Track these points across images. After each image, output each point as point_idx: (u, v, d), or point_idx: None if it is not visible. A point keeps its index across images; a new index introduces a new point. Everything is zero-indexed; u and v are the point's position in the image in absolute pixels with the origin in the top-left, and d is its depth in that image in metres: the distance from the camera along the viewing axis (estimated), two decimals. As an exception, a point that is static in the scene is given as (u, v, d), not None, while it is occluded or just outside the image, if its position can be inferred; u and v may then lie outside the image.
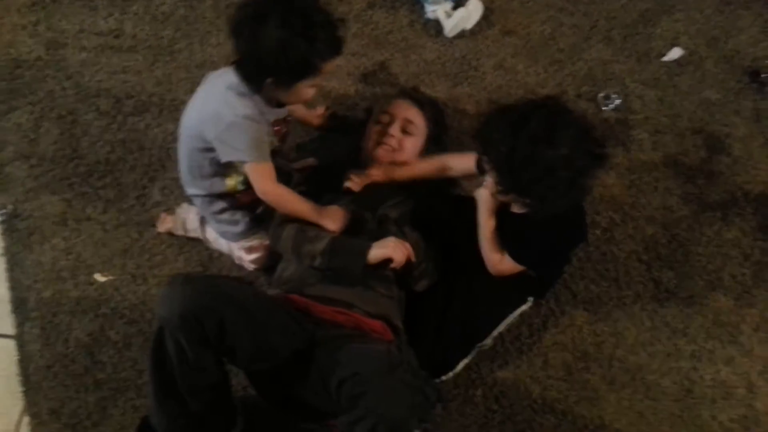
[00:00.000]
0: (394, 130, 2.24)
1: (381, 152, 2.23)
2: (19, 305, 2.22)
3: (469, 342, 2.09)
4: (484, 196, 1.97)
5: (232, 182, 2.07)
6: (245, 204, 2.13)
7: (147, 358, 1.73)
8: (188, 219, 2.26)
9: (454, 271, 2.12)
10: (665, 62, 2.59)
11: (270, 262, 2.20)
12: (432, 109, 2.34)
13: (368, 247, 1.97)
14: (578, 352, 2.20)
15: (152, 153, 2.41)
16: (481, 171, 2.08)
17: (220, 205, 2.12)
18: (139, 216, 2.33)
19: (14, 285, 2.24)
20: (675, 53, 2.59)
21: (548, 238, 1.95)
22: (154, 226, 2.31)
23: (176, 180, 2.34)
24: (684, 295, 2.27)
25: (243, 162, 1.96)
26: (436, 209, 2.22)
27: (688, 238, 2.35)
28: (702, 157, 2.46)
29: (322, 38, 1.79)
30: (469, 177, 2.24)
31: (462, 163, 2.16)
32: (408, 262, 1.99)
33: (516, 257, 1.97)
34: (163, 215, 2.30)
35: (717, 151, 2.47)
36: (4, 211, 2.32)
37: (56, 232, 2.31)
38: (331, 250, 1.98)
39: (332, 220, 2.06)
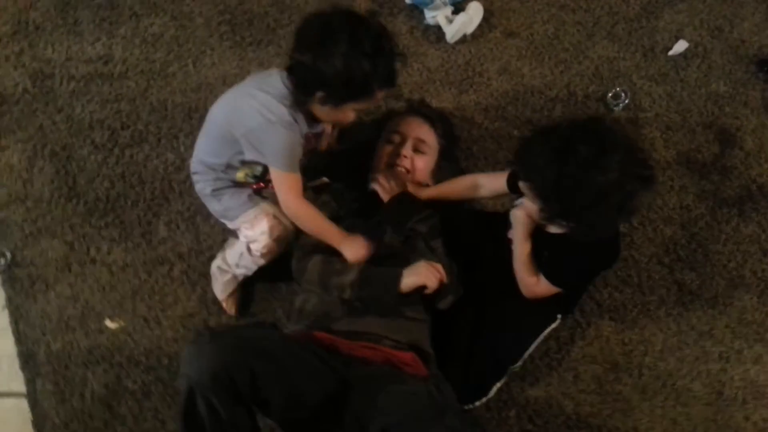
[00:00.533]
0: (407, 150, 2.17)
1: (399, 172, 2.16)
2: (28, 360, 2.12)
3: (502, 366, 2.05)
4: (521, 217, 1.91)
5: (241, 175, 2.00)
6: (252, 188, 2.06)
7: (178, 421, 1.65)
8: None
9: (479, 290, 2.07)
10: (671, 56, 2.54)
11: (280, 249, 2.09)
12: (442, 124, 2.28)
13: (399, 275, 1.91)
14: (608, 363, 2.17)
15: (154, 186, 2.31)
16: (512, 190, 2.02)
17: (225, 183, 2.03)
18: (146, 255, 2.24)
19: (21, 339, 2.14)
20: (680, 46, 2.54)
21: (587, 260, 1.91)
22: (162, 264, 2.22)
23: (182, 213, 2.27)
24: (707, 296, 2.25)
25: (270, 166, 1.91)
26: (458, 224, 2.17)
27: (707, 236, 2.32)
28: (714, 152, 2.43)
29: (383, 66, 1.76)
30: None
31: (493, 182, 2.10)
32: (440, 284, 1.93)
33: (554, 281, 1.93)
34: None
35: (729, 145, 2.44)
36: (2, 260, 2.21)
37: (60, 278, 2.20)
38: (361, 281, 1.91)
39: (352, 251, 1.98)
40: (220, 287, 2.16)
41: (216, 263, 2.17)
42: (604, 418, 2.12)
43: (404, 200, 2.12)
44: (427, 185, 2.23)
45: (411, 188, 2.14)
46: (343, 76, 1.74)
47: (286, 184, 1.93)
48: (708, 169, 2.40)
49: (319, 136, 2.04)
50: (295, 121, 1.86)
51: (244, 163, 1.98)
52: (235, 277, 2.14)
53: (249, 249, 2.07)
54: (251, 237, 2.05)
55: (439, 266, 1.93)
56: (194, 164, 2.07)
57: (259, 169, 2.00)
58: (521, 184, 1.80)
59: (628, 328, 2.21)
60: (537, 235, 1.92)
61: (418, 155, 2.18)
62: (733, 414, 2.13)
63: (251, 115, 1.85)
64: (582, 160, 1.63)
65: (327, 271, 1.95)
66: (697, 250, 2.30)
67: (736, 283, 2.27)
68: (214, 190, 2.04)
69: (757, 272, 2.28)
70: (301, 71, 1.80)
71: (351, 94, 1.81)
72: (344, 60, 1.72)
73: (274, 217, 2.03)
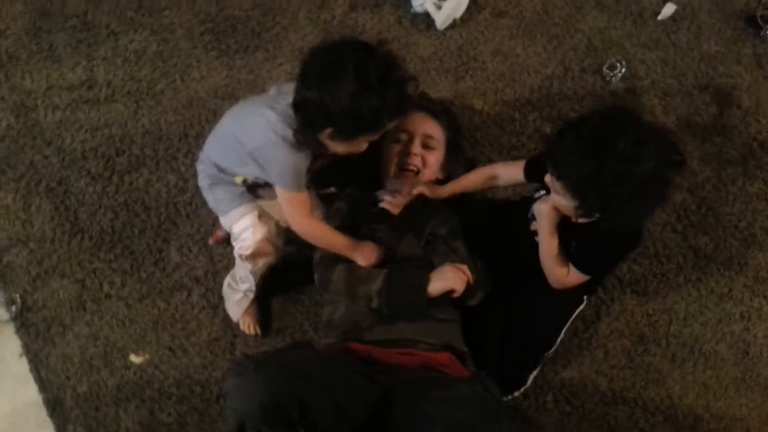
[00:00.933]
0: (416, 148, 2.13)
1: (407, 177, 2.13)
2: (55, 407, 2.07)
3: (537, 355, 2.06)
4: (546, 211, 1.87)
5: (240, 179, 1.97)
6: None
7: None
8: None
9: (505, 283, 2.06)
10: (661, 21, 2.53)
11: (268, 254, 2.02)
12: (446, 115, 2.24)
13: (427, 281, 1.90)
14: (635, 336, 2.20)
15: (159, 211, 2.24)
16: (530, 179, 2.00)
17: (221, 179, 1.99)
18: (162, 283, 2.18)
19: (45, 386, 2.09)
20: (669, 9, 2.53)
21: (616, 246, 1.90)
22: (180, 290, 2.16)
23: (193, 236, 2.23)
24: (722, 258, 2.28)
25: (275, 185, 1.88)
26: (476, 219, 2.16)
27: (715, 199, 2.34)
28: (713, 113, 2.43)
29: (393, 97, 1.71)
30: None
31: (510, 172, 2.07)
32: (468, 286, 1.92)
33: (585, 270, 1.92)
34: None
35: (727, 104, 2.44)
36: (13, 307, 2.13)
37: (76, 318, 2.14)
38: (388, 288, 1.89)
39: (363, 256, 1.98)
40: (234, 307, 2.12)
41: (226, 282, 2.13)
42: (638, 391, 2.15)
43: (418, 206, 2.09)
44: (438, 179, 2.20)
45: (426, 188, 2.11)
46: (352, 113, 1.70)
47: (292, 203, 1.91)
48: (709, 131, 2.41)
49: (327, 157, 1.98)
50: (301, 146, 1.83)
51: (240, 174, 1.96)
52: (245, 294, 2.10)
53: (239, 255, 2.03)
54: (236, 234, 2.01)
55: (465, 268, 1.92)
56: (201, 156, 2.04)
57: (261, 180, 1.97)
58: (551, 181, 1.77)
59: (650, 299, 2.23)
60: (562, 225, 1.91)
61: (428, 151, 2.15)
62: (760, 371, 2.18)
63: (258, 133, 1.82)
64: (620, 154, 1.60)
65: (353, 281, 1.93)
66: (708, 214, 2.32)
67: (748, 242, 2.30)
68: (210, 184, 2.01)
69: (767, 229, 2.31)
70: (307, 108, 1.75)
71: (361, 129, 1.78)
72: (352, 97, 1.68)
73: (260, 216, 1.98)
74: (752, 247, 2.29)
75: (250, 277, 2.05)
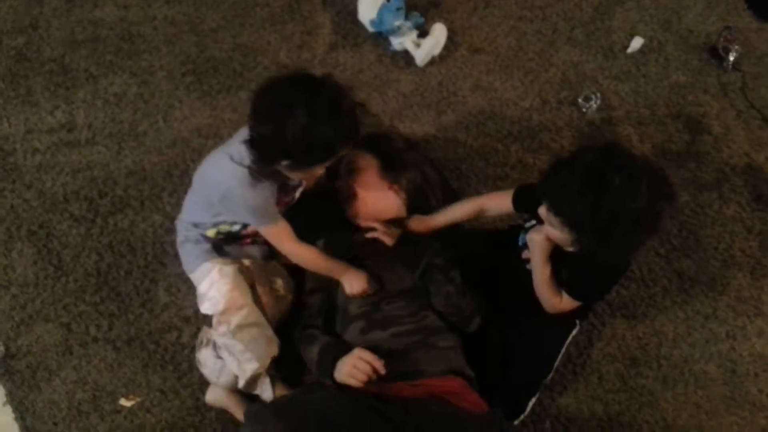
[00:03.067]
0: (342, 179, 2.17)
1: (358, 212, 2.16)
2: (43, 456, 1.99)
3: (535, 382, 2.05)
4: (539, 242, 1.90)
5: (213, 231, 2.00)
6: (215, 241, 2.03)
7: None
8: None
9: (499, 311, 2.08)
10: (630, 54, 2.63)
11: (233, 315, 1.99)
12: (371, 142, 2.24)
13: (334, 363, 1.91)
14: (627, 359, 2.21)
15: (146, 252, 2.21)
16: (518, 209, 2.02)
17: (192, 235, 2.02)
18: (150, 324, 2.13)
19: (31, 434, 2.00)
20: (636, 43, 2.63)
21: (607, 274, 1.94)
22: (169, 331, 2.12)
23: (180, 275, 2.18)
24: (705, 279, 2.32)
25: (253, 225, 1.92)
26: (468, 248, 2.18)
27: (695, 222, 2.40)
28: (686, 140, 2.52)
29: (345, 125, 1.76)
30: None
31: (498, 202, 2.09)
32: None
33: (578, 297, 1.95)
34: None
35: (698, 131, 2.53)
36: (-4, 355, 2.06)
37: (63, 363, 2.07)
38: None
39: (351, 283, 2.01)
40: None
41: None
42: (633, 414, 2.16)
43: (411, 241, 2.11)
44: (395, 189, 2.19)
45: (416, 222, 2.13)
46: (305, 145, 1.74)
47: (274, 234, 1.96)
48: (683, 157, 2.49)
49: (296, 188, 2.02)
50: (260, 179, 1.86)
51: (216, 225, 1.99)
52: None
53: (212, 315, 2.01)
54: (203, 293, 2.01)
55: (369, 358, 1.87)
56: (179, 216, 2.07)
57: (235, 227, 2.00)
58: (546, 215, 1.79)
59: (639, 323, 2.25)
60: (554, 253, 1.93)
61: (353, 175, 2.16)
62: (748, 389, 2.20)
63: (220, 182, 1.87)
64: (615, 191, 1.63)
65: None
66: (689, 237, 2.37)
67: (728, 264, 2.35)
68: (182, 241, 2.03)
69: (745, 250, 2.37)
70: (262, 144, 1.79)
71: (316, 159, 1.82)
72: (304, 131, 1.71)
73: (221, 271, 1.99)
74: (732, 268, 2.34)
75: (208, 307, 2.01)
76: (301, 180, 1.99)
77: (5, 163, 2.30)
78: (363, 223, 2.15)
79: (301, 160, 1.80)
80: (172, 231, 2.21)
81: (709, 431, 2.15)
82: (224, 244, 2.03)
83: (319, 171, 1.91)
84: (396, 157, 2.22)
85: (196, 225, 2.00)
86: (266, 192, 1.87)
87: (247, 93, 2.43)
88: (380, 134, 2.36)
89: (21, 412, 2.02)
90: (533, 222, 1.97)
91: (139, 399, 2.05)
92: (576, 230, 1.73)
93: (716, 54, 2.64)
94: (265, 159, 1.80)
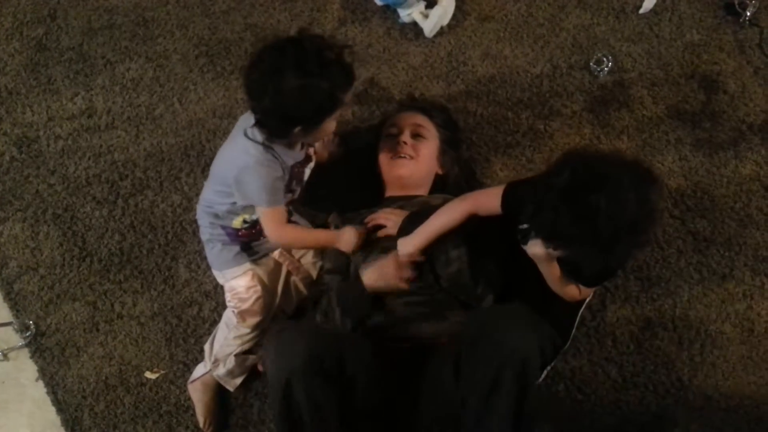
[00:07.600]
0: (405, 137, 2.18)
1: (399, 166, 2.18)
2: (74, 427, 2.11)
3: (553, 351, 2.06)
4: (540, 253, 1.83)
5: (239, 220, 2.02)
6: (243, 239, 2.06)
7: (275, 417, 1.77)
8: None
9: (513, 285, 2.08)
10: (643, 14, 2.59)
11: (258, 317, 2.08)
12: (439, 112, 2.29)
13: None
14: (641, 321, 2.22)
15: (166, 231, 2.29)
16: (507, 211, 1.93)
17: (219, 233, 2.04)
18: (173, 300, 2.23)
19: (62, 407, 2.13)
20: (649, 3, 2.58)
21: None
22: (191, 306, 2.20)
23: (200, 252, 2.25)
24: (721, 239, 2.30)
25: (255, 205, 1.95)
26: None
27: (710, 183, 2.37)
28: (701, 100, 2.48)
29: (337, 74, 1.78)
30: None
31: (487, 205, 1.98)
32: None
33: (596, 283, 1.99)
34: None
35: (713, 90, 2.49)
36: (27, 333, 2.16)
37: (90, 339, 2.18)
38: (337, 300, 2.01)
39: (345, 242, 2.05)
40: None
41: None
42: (648, 375, 2.17)
43: (416, 219, 2.07)
44: (438, 174, 2.24)
45: (404, 245, 2.03)
46: (309, 105, 1.77)
47: (270, 217, 1.97)
48: (698, 117, 2.45)
49: (304, 163, 2.04)
50: (275, 157, 1.89)
51: (245, 209, 2.00)
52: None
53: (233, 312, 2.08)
54: (230, 287, 2.07)
55: (406, 265, 1.97)
56: (198, 209, 2.10)
57: (255, 216, 2.03)
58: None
59: (654, 285, 2.25)
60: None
61: (419, 141, 2.19)
62: (767, 348, 2.19)
63: (234, 160, 1.91)
64: (605, 212, 1.60)
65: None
66: (704, 198, 2.35)
67: (745, 223, 2.32)
68: (208, 239, 2.07)
69: (762, 209, 2.34)
70: (269, 120, 1.82)
71: (323, 114, 1.84)
72: (301, 93, 1.74)
73: (254, 277, 2.05)
74: (749, 227, 2.32)
75: (234, 344, 2.07)
76: (308, 155, 2.02)
77: (30, 150, 2.39)
78: (388, 190, 2.20)
79: (309, 121, 1.82)
80: (190, 209, 2.30)
81: (726, 391, 2.16)
82: (252, 240, 2.06)
83: (332, 125, 1.90)
84: (455, 140, 2.30)
85: (217, 216, 2.01)
86: (276, 172, 1.90)
87: (258, 72, 2.48)
88: (445, 106, 2.40)
89: (52, 386, 2.14)
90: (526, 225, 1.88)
91: (163, 371, 2.15)
92: (579, 254, 1.75)
93: (732, 10, 2.58)
94: (277, 133, 1.84)
